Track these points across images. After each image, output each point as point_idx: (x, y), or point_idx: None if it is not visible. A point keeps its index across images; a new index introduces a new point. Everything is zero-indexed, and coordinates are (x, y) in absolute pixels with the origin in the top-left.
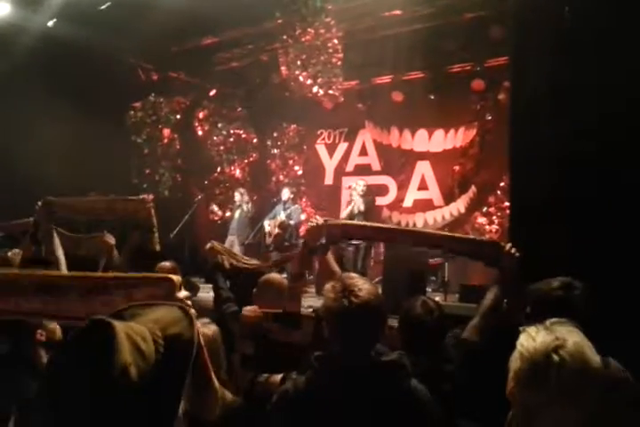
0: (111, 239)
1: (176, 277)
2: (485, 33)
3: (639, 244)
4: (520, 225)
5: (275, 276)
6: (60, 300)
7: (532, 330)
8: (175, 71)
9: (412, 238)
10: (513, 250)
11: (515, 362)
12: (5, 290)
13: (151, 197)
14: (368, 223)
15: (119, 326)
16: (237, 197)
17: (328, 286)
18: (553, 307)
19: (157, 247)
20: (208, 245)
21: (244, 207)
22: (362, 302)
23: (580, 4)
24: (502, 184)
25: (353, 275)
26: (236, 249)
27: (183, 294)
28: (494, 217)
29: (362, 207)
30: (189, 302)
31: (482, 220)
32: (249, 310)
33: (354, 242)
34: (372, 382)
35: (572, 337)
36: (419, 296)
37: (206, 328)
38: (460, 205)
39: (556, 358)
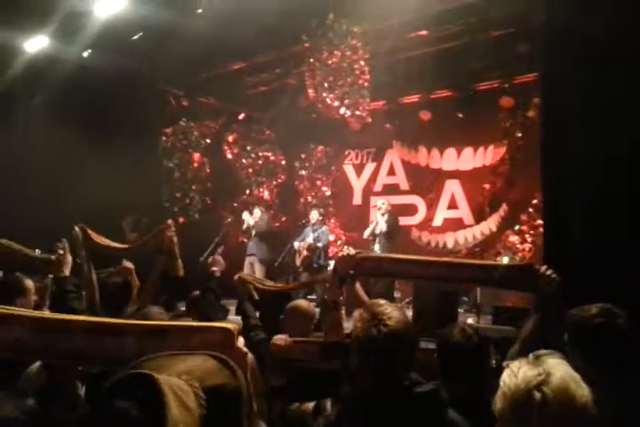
0: (129, 265)
1: (233, 326)
2: (512, 50)
3: None
4: (554, 243)
5: (301, 302)
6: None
7: (515, 365)
8: (205, 96)
9: (444, 273)
10: (549, 272)
11: (497, 401)
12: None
13: (171, 222)
14: (401, 256)
15: (162, 378)
16: (256, 213)
17: (356, 314)
18: (591, 335)
19: (181, 273)
20: (236, 277)
21: (261, 224)
22: (391, 330)
23: (610, 17)
24: (534, 202)
25: (382, 302)
26: (257, 268)
27: (241, 341)
28: (527, 235)
29: (384, 227)
30: (245, 350)
31: (514, 238)
32: (280, 338)
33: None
34: (407, 415)
35: (557, 371)
36: (456, 323)
37: None
38: (491, 224)
39: (537, 395)
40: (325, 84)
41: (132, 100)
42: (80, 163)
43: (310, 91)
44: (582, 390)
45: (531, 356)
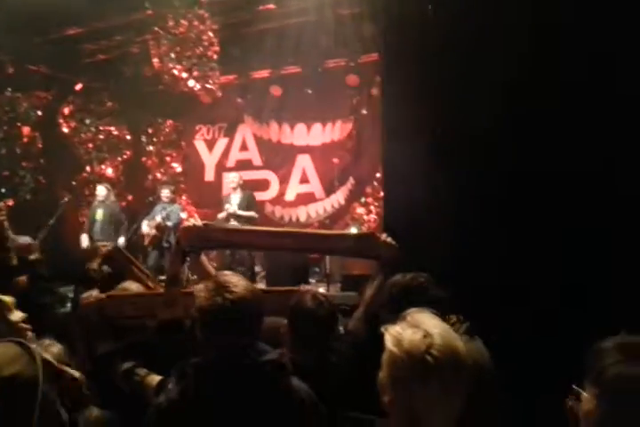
0: None
1: (8, 298)
2: (359, 30)
3: (511, 232)
4: (393, 215)
5: (131, 285)
6: None
7: (395, 331)
8: (35, 64)
9: (296, 244)
10: (389, 239)
11: (389, 369)
12: None
13: (2, 204)
14: (252, 228)
15: None
16: (102, 192)
17: (200, 285)
18: (408, 296)
19: (14, 262)
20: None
21: (111, 206)
22: (237, 297)
23: (445, 3)
24: (378, 175)
25: (227, 272)
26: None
27: (17, 316)
28: (372, 207)
29: (238, 203)
30: (26, 325)
31: (360, 210)
32: (88, 295)
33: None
34: (251, 384)
35: (435, 328)
36: (307, 290)
37: (50, 349)
38: (339, 197)
39: (430, 359)
40: (172, 55)
41: None
42: None
43: (155, 61)
44: (459, 341)
45: (406, 314)
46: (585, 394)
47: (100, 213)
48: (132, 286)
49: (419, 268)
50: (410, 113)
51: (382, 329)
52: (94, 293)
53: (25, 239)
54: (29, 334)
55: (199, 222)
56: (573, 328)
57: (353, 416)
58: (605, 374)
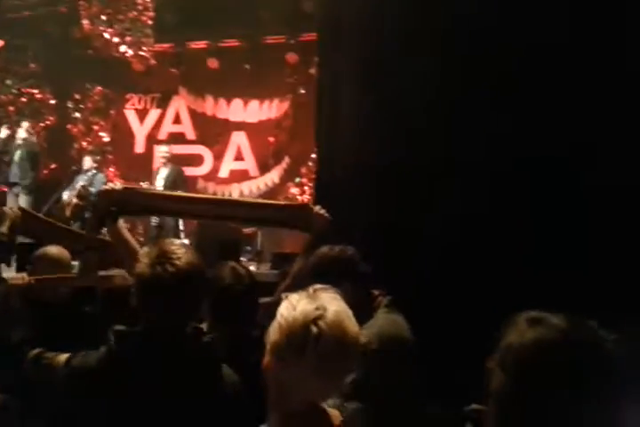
0: None
1: None
2: (300, 7)
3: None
4: (327, 194)
5: (51, 249)
6: None
7: (293, 298)
8: None
9: (223, 212)
10: (323, 211)
11: (273, 333)
12: None
13: None
14: (179, 193)
15: None
16: (21, 133)
17: (143, 250)
18: (334, 268)
19: None
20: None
21: (30, 145)
22: (179, 270)
23: None
24: (313, 156)
25: (174, 241)
26: (24, 200)
27: None
28: (306, 187)
29: (164, 177)
30: None
31: (295, 190)
32: (17, 277)
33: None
34: (176, 365)
35: (333, 306)
36: (227, 263)
37: None
38: (274, 176)
39: (314, 329)
40: (103, 17)
41: None
42: None
43: (85, 22)
44: (354, 326)
45: (308, 290)
46: (492, 368)
47: (18, 154)
48: (53, 250)
49: (347, 242)
50: (346, 94)
51: (283, 296)
52: (22, 274)
53: None
54: None
55: (119, 186)
56: (496, 307)
57: None
58: (510, 345)
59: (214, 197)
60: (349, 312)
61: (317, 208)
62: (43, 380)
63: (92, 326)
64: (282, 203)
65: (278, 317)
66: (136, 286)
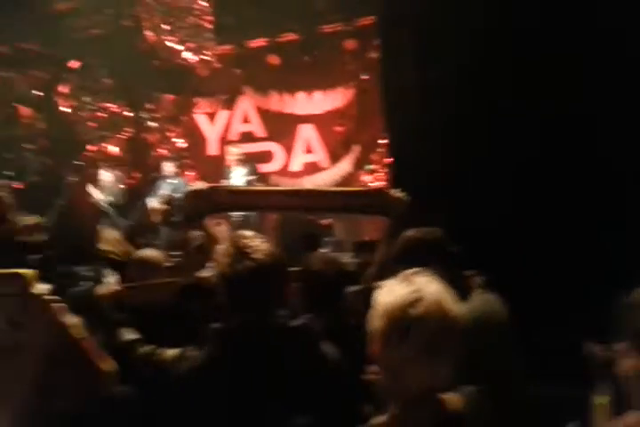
0: None
1: (29, 271)
2: None
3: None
4: (402, 179)
5: (147, 252)
6: None
7: (389, 284)
8: (27, 42)
9: (306, 203)
10: (399, 194)
11: (374, 319)
12: None
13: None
14: (261, 188)
15: None
16: (105, 178)
17: (221, 248)
18: (423, 250)
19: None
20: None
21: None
22: (259, 264)
23: None
24: (382, 141)
25: (247, 234)
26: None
27: (41, 288)
28: (378, 174)
29: (240, 177)
30: (51, 297)
31: (367, 177)
32: (101, 289)
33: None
34: (279, 351)
35: (429, 288)
36: (316, 253)
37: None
38: (345, 165)
39: (413, 311)
40: (165, 26)
41: None
42: None
43: (149, 33)
44: (454, 306)
45: (402, 275)
46: (624, 349)
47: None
48: (146, 253)
49: (429, 224)
50: (410, 76)
51: (377, 284)
52: (111, 281)
53: (30, 220)
54: (58, 305)
55: (203, 186)
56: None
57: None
58: None
59: (295, 188)
60: (447, 293)
61: (394, 191)
62: (155, 376)
63: (195, 325)
64: (358, 189)
65: (377, 303)
66: (220, 284)
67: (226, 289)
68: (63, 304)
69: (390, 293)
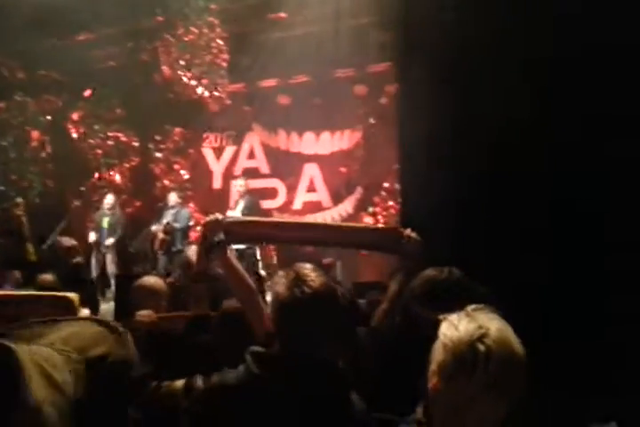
0: None
1: (74, 295)
2: (367, 39)
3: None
4: (411, 214)
5: (149, 279)
6: None
7: (453, 319)
8: (45, 69)
9: (318, 236)
10: (414, 234)
11: (438, 354)
12: None
13: (22, 200)
14: (274, 220)
15: (22, 351)
16: (110, 200)
17: (280, 274)
18: (452, 293)
19: (33, 258)
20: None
21: (116, 216)
22: (315, 292)
23: (461, 9)
24: (386, 185)
25: (308, 265)
26: (110, 258)
27: (84, 313)
28: (380, 216)
29: (241, 210)
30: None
31: (368, 219)
32: (143, 314)
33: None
34: (313, 384)
35: (493, 324)
36: None
37: None
38: (347, 206)
39: (481, 347)
40: (181, 62)
41: None
42: None
43: (165, 68)
44: (518, 343)
45: (468, 309)
46: None
47: (105, 222)
48: (150, 280)
49: (442, 263)
50: (427, 120)
51: (440, 317)
52: (149, 312)
53: (68, 241)
54: (117, 323)
55: (220, 216)
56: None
57: (375, 417)
58: None
59: (308, 222)
60: (511, 330)
61: (408, 231)
62: (164, 407)
63: (206, 355)
64: (373, 226)
65: (442, 337)
66: (274, 307)
67: (278, 313)
68: None
69: (455, 327)
